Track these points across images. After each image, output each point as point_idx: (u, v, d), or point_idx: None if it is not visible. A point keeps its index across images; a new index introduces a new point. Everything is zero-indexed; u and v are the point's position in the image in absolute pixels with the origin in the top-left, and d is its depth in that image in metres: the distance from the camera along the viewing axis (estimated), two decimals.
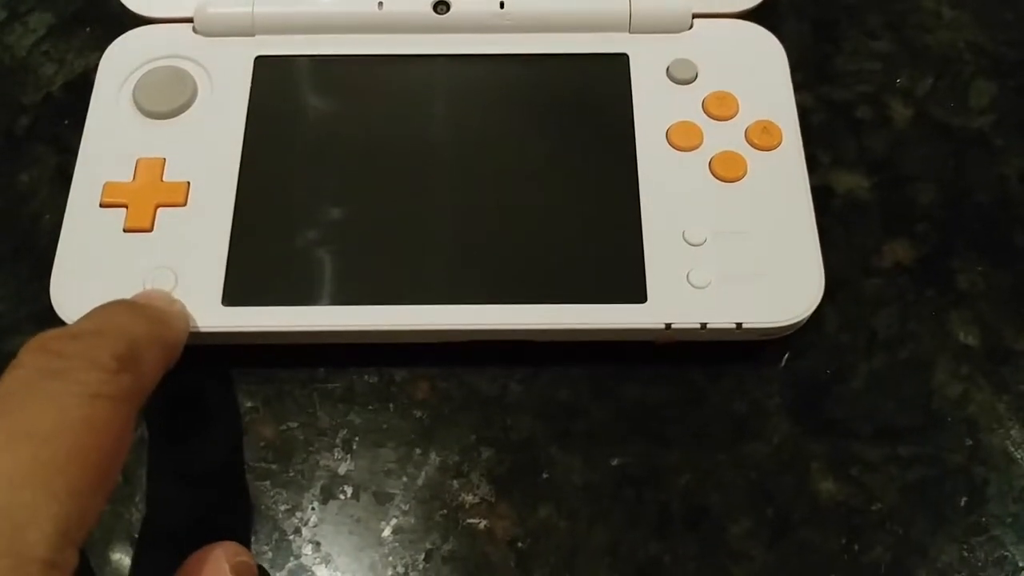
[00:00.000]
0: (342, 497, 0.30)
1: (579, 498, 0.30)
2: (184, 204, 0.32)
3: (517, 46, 0.35)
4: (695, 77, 0.35)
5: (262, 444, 0.31)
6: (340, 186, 0.33)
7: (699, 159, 0.33)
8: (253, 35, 0.35)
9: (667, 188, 0.32)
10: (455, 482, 0.30)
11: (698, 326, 0.30)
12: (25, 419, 0.22)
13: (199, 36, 0.36)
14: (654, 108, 0.34)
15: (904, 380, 0.32)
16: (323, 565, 0.29)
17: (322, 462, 0.31)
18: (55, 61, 0.38)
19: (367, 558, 0.29)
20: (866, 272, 0.34)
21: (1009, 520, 0.30)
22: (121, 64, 0.35)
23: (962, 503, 0.30)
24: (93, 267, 0.31)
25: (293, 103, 0.35)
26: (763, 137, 0.33)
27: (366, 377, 0.32)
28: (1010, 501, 0.30)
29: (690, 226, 0.32)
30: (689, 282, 0.31)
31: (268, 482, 0.30)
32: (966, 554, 0.29)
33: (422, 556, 0.29)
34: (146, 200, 0.32)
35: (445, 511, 0.30)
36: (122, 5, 0.36)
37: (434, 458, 0.31)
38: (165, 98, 0.34)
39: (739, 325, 0.30)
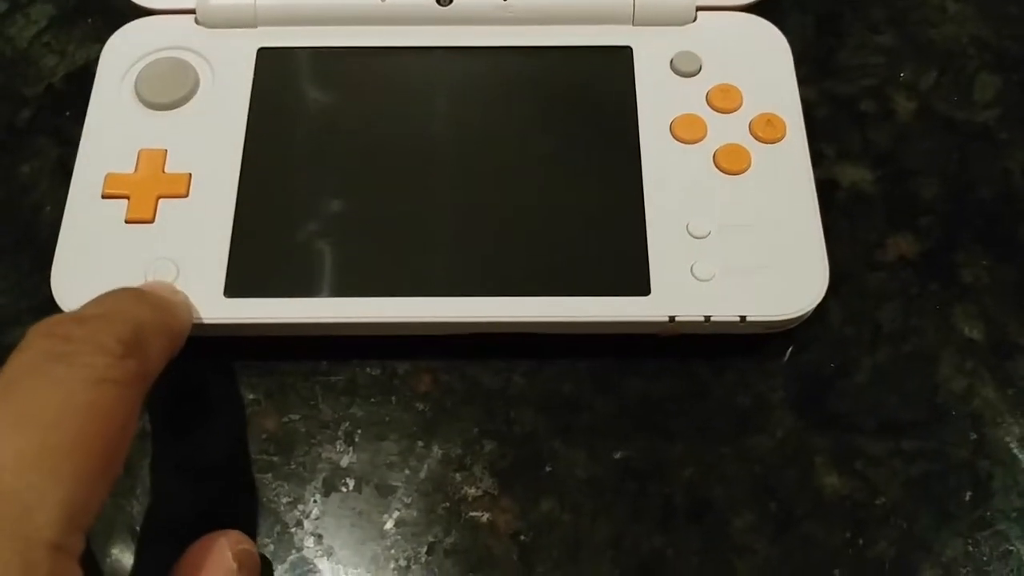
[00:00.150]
0: (344, 490, 0.30)
1: (582, 491, 0.30)
2: (186, 195, 0.32)
3: (520, 38, 0.35)
4: (699, 70, 0.35)
5: (264, 436, 0.31)
6: (342, 178, 0.33)
7: (703, 152, 0.33)
8: (255, 26, 0.35)
9: (671, 181, 0.32)
10: (458, 475, 0.30)
11: (702, 319, 0.30)
12: (31, 403, 0.22)
13: (201, 27, 0.35)
14: (658, 101, 0.34)
15: (908, 374, 0.32)
16: (325, 558, 0.29)
17: (324, 455, 0.31)
18: (56, 52, 0.38)
19: (369, 551, 0.29)
20: (870, 266, 0.34)
21: (1014, 515, 0.30)
22: (123, 55, 0.35)
23: (967, 497, 0.30)
24: (94, 259, 0.31)
25: (295, 95, 0.34)
26: (767, 130, 0.33)
27: (368, 369, 0.32)
28: (1015, 496, 0.30)
29: (694, 219, 0.32)
30: (693, 275, 0.31)
31: (270, 474, 0.30)
32: (971, 548, 0.29)
33: (424, 549, 0.29)
34: (148, 191, 0.32)
35: (447, 504, 0.30)
36: None
37: (436, 451, 0.31)
38: (167, 89, 0.34)
39: (743, 318, 0.30)
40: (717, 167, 0.33)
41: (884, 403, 0.31)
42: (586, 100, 0.34)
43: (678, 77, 0.35)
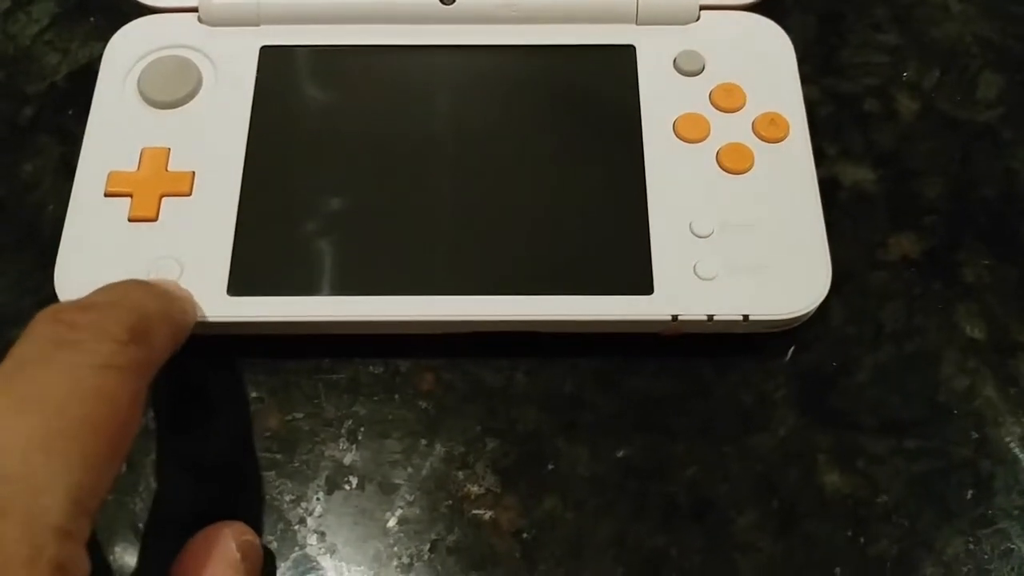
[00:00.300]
0: (347, 488, 0.30)
1: (585, 490, 0.30)
2: (189, 194, 0.32)
3: (523, 37, 0.35)
4: (702, 69, 0.35)
5: (267, 434, 0.31)
6: (345, 176, 0.33)
7: (706, 151, 0.33)
8: (258, 25, 0.35)
9: (674, 180, 0.32)
10: (460, 473, 0.30)
11: (705, 318, 0.30)
12: (37, 388, 0.22)
13: (204, 26, 0.35)
14: (661, 100, 0.34)
15: (910, 373, 0.32)
16: (328, 555, 0.29)
17: (327, 452, 0.31)
18: (59, 51, 0.38)
19: (372, 549, 0.29)
20: (872, 265, 0.34)
21: (1016, 513, 0.30)
22: (125, 54, 0.35)
23: (968, 496, 0.30)
24: (97, 257, 0.31)
25: (298, 93, 0.34)
26: (770, 129, 0.33)
27: (371, 368, 0.32)
28: (1016, 494, 0.30)
29: (697, 218, 0.32)
30: (696, 274, 0.31)
31: (273, 472, 0.30)
32: (972, 547, 0.29)
33: (427, 547, 0.29)
34: (151, 190, 0.32)
35: (450, 502, 0.30)
36: None
37: (439, 449, 0.31)
38: (170, 88, 0.34)
39: (746, 317, 0.30)
40: (720, 166, 0.33)
41: (886, 402, 0.31)
42: (589, 99, 0.34)
43: (681, 76, 0.35)
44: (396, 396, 0.31)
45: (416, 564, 0.29)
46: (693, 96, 0.34)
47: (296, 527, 0.30)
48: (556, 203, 0.32)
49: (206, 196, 0.32)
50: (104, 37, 0.35)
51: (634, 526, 0.30)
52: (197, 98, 0.34)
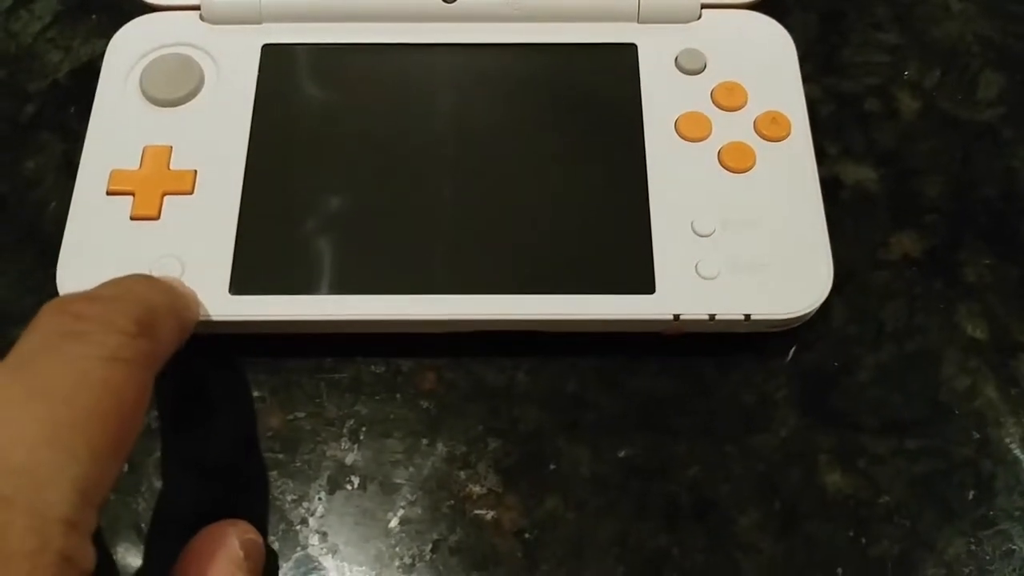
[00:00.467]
0: (349, 487, 0.30)
1: (586, 489, 0.30)
2: (191, 192, 0.32)
3: (525, 35, 0.35)
4: (704, 67, 0.35)
5: (269, 434, 0.31)
6: (347, 175, 0.33)
7: (708, 150, 0.33)
8: (260, 23, 0.35)
9: (675, 179, 0.32)
10: (462, 473, 0.30)
11: (706, 317, 0.30)
12: (44, 379, 0.22)
13: (206, 24, 0.35)
14: (662, 98, 0.34)
15: (911, 373, 0.32)
16: (330, 555, 0.29)
17: (329, 452, 0.31)
18: (61, 48, 0.38)
19: (373, 548, 0.29)
20: (874, 264, 0.34)
21: (1017, 514, 0.30)
22: (128, 52, 0.35)
23: (970, 496, 0.30)
24: (100, 255, 0.31)
25: (300, 91, 0.34)
26: (772, 128, 0.33)
27: (373, 367, 0.32)
28: (1017, 495, 0.30)
29: (699, 217, 0.32)
30: (698, 273, 0.31)
31: (275, 472, 0.30)
32: (973, 547, 0.29)
33: (429, 547, 0.29)
34: (153, 188, 0.32)
35: (452, 502, 0.30)
36: None
37: (441, 449, 0.31)
38: (172, 86, 0.34)
39: (747, 316, 0.30)
40: (722, 165, 0.33)
41: (887, 402, 0.31)
42: (591, 98, 0.34)
43: (683, 75, 0.35)
44: (398, 395, 0.32)
45: (418, 564, 0.29)
46: (694, 95, 0.34)
47: (298, 527, 0.30)
48: (557, 202, 0.32)
49: (208, 194, 0.32)
50: (106, 35, 0.35)
51: (636, 526, 0.30)
52: (199, 96, 0.34)
